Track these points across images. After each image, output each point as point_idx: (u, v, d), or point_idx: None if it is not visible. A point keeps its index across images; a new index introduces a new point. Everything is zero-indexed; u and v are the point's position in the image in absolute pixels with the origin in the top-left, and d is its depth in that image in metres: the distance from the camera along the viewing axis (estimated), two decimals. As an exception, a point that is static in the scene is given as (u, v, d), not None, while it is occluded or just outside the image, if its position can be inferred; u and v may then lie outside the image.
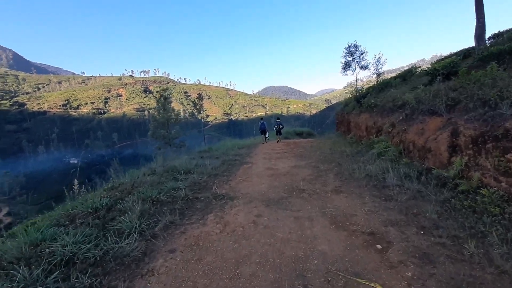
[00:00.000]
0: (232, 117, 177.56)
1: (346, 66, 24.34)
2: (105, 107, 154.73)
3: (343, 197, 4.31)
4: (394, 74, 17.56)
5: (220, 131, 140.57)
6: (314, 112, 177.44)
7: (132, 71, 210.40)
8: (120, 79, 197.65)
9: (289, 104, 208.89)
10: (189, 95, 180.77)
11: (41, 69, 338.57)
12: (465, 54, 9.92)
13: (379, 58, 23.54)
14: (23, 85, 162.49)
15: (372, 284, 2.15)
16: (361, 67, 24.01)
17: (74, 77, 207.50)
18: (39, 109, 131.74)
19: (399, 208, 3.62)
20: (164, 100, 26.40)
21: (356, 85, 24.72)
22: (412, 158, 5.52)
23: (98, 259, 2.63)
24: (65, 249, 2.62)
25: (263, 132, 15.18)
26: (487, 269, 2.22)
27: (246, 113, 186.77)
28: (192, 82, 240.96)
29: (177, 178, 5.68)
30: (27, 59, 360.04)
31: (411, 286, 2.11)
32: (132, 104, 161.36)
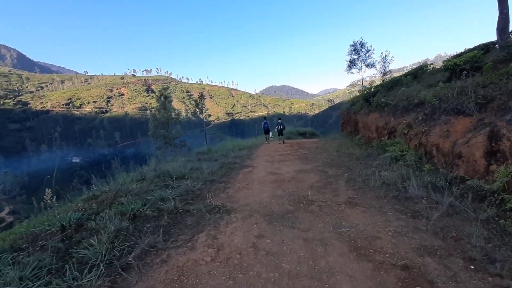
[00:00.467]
0: (234, 116, 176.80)
1: (352, 64, 23.49)
2: (108, 106, 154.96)
3: (360, 211, 3.64)
4: (398, 74, 16.79)
5: (222, 131, 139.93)
6: (316, 112, 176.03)
7: (135, 70, 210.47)
8: (122, 78, 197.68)
9: (291, 103, 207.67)
10: (191, 95, 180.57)
11: (45, 68, 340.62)
12: (483, 48, 9.19)
13: (385, 56, 22.65)
14: (26, 84, 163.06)
15: None
16: (367, 65, 23.15)
17: (77, 76, 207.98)
18: (42, 108, 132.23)
19: (432, 230, 2.93)
20: (164, 99, 25.83)
21: (362, 84, 23.88)
22: (436, 164, 4.82)
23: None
24: (6, 290, 2.00)
25: (266, 132, 14.66)
26: None
27: (248, 112, 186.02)
28: (195, 82, 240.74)
29: (168, 185, 5.05)
30: (31, 59, 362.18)
31: None
32: (134, 103, 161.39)
